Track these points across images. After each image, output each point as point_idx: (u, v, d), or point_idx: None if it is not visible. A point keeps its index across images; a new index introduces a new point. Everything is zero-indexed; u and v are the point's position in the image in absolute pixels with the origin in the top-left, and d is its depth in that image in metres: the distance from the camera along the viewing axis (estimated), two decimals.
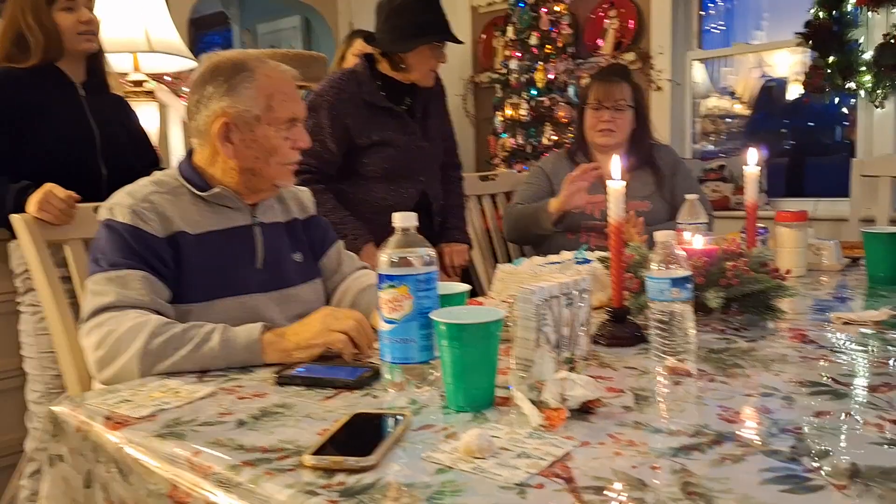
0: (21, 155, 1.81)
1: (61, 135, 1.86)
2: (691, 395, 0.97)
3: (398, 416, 0.87)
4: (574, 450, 0.79)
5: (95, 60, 1.99)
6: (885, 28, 2.94)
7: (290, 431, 0.86)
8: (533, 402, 0.90)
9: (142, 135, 2.14)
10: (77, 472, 0.95)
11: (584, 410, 0.90)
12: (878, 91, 2.99)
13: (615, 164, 1.25)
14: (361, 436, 0.82)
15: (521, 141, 3.89)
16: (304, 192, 1.58)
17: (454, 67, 4.42)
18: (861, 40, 3.04)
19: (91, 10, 1.93)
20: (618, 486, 0.70)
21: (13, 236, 1.69)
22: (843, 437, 0.80)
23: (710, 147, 4.08)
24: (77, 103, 1.92)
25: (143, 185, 1.33)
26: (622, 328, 1.25)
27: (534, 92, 3.84)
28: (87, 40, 1.91)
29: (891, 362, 1.07)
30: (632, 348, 1.21)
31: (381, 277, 0.98)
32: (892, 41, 2.88)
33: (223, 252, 1.33)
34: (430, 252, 0.99)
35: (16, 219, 1.52)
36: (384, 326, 0.98)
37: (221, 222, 1.35)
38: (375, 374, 1.04)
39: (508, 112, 3.91)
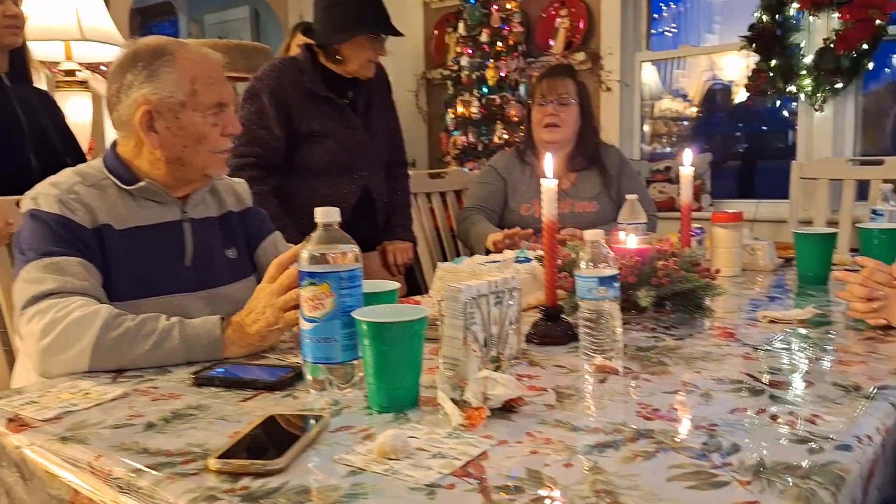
0: None
1: None
2: (614, 392, 0.97)
3: (315, 418, 0.85)
4: (491, 449, 0.79)
5: (19, 52, 1.93)
6: (826, 33, 3.02)
7: (201, 434, 0.84)
8: (455, 402, 0.89)
9: (69, 131, 2.08)
10: None
11: (507, 409, 0.90)
12: (818, 95, 3.07)
13: (548, 163, 1.25)
14: (273, 438, 0.80)
15: (472, 139, 3.90)
16: (241, 184, 1.53)
17: (406, 63, 4.40)
18: (802, 44, 3.12)
19: (18, 4, 1.87)
20: (527, 484, 0.70)
21: None
22: (754, 433, 0.80)
23: (666, 149, 4.13)
24: (2, 92, 1.85)
25: (67, 176, 1.28)
26: (554, 327, 1.25)
27: (485, 90, 3.85)
28: (12, 34, 1.85)
29: (808, 360, 1.09)
30: (563, 347, 1.21)
31: (302, 274, 0.96)
32: (832, 45, 2.96)
33: (149, 249, 1.29)
34: (354, 248, 0.97)
35: None
36: (305, 325, 0.96)
37: (148, 217, 1.30)
38: (298, 375, 1.02)
39: (460, 109, 3.91)
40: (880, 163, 2.69)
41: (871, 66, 2.97)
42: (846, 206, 2.74)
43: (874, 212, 1.89)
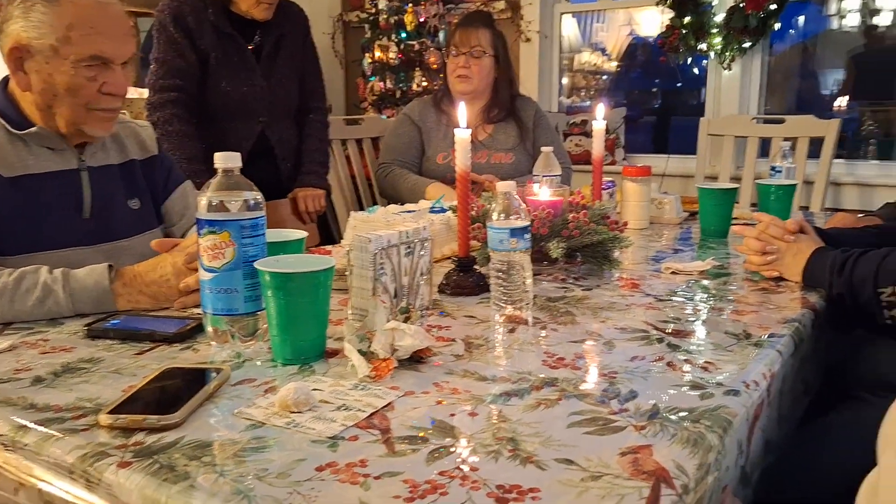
0: None
1: None
2: (523, 342, 0.99)
3: (215, 371, 0.83)
4: (397, 400, 0.78)
5: None
6: None
7: (93, 388, 0.80)
8: (363, 353, 0.88)
9: None
10: None
11: (416, 360, 0.90)
12: (727, 53, 3.15)
13: (461, 113, 1.23)
14: (170, 392, 0.78)
15: (390, 85, 3.82)
16: (146, 130, 1.44)
17: (322, 4, 4.25)
18: (714, 3, 3.18)
19: None
20: (431, 434, 0.70)
21: None
22: (651, 380, 0.83)
23: (585, 103, 4.17)
24: None
25: None
26: (467, 277, 1.25)
27: (403, 35, 3.76)
28: None
29: (704, 310, 1.14)
30: (475, 297, 1.21)
31: (201, 223, 0.91)
32: (742, 5, 3.03)
33: (42, 200, 1.20)
34: (257, 196, 0.94)
35: None
36: (205, 276, 0.92)
37: (40, 165, 1.22)
38: (198, 327, 0.98)
39: (378, 54, 3.81)
40: (781, 121, 2.81)
41: (777, 26, 3.06)
42: (749, 162, 2.85)
43: (773, 168, 1.97)
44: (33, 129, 1.20)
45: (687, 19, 3.18)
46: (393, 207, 1.72)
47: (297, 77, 2.26)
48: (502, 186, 1.12)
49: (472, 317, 1.11)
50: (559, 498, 0.59)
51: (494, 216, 1.10)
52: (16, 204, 1.17)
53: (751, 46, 3.11)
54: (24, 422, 0.71)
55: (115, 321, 1.00)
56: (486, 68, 2.33)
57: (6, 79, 1.24)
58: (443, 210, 1.69)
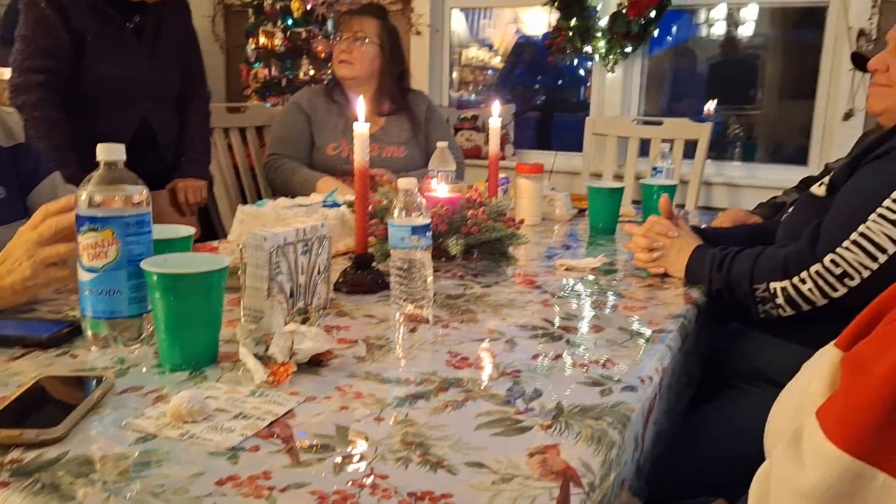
0: None
1: None
2: (424, 342, 0.98)
3: (97, 379, 0.76)
4: (298, 406, 0.75)
5: None
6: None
7: None
8: (259, 357, 0.84)
9: None
10: None
11: (315, 363, 0.87)
12: (610, 56, 3.27)
13: (360, 106, 1.21)
14: (48, 404, 0.71)
15: (275, 73, 3.71)
16: (12, 116, 1.33)
17: None
18: (599, 7, 3.29)
19: None
20: (337, 441, 0.68)
21: None
22: (552, 378, 0.84)
23: (472, 97, 4.22)
24: None
25: None
26: (364, 275, 1.23)
27: (290, 21, 3.66)
28: None
29: (598, 306, 1.17)
30: (373, 295, 1.19)
31: (81, 219, 0.84)
32: (624, 10, 3.15)
33: None
34: (143, 191, 0.88)
35: None
36: (84, 276, 0.85)
37: None
38: (75, 330, 0.91)
39: (262, 40, 3.69)
40: (660, 123, 2.95)
41: (656, 32, 3.21)
42: (630, 161, 2.98)
43: (654, 169, 2.06)
44: None
45: (573, 22, 3.28)
46: (283, 201, 1.67)
47: (179, 60, 2.16)
48: (404, 183, 1.11)
49: (371, 316, 1.08)
50: (472, 503, 0.58)
51: (395, 213, 1.08)
52: None
53: (632, 51, 3.25)
54: None
55: None
56: (369, 55, 2.29)
57: None
58: (336, 205, 1.66)
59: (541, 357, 0.91)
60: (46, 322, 0.94)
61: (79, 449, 0.64)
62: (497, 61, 4.63)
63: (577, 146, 3.34)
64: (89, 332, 0.87)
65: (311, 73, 3.66)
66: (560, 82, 4.85)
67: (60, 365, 0.84)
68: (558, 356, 0.92)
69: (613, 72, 3.32)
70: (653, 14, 3.11)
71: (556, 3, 3.31)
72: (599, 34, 3.25)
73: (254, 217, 1.51)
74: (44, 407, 0.70)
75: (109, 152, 0.85)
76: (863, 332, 0.58)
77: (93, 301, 0.85)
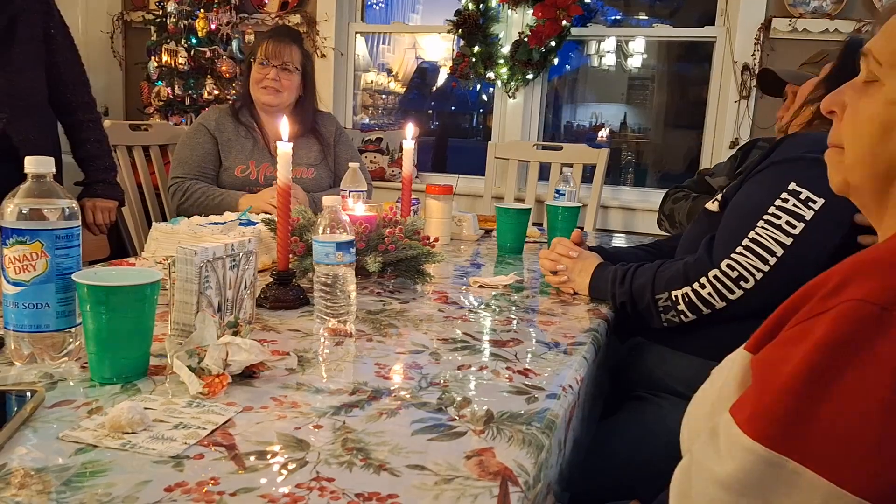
0: None
1: None
2: (351, 354, 1.01)
3: (26, 393, 0.75)
4: (236, 416, 0.77)
5: None
6: (521, 27, 3.35)
7: None
8: (192, 370, 0.85)
9: None
10: None
11: (248, 375, 0.88)
12: (512, 82, 3.41)
13: (284, 127, 1.23)
14: None
15: (179, 91, 3.63)
16: None
17: (101, 1, 3.94)
18: (501, 35, 3.43)
19: None
20: (280, 448, 0.70)
21: None
22: (479, 387, 0.90)
23: (367, 120, 4.26)
24: None
25: None
26: (286, 291, 1.24)
27: (194, 40, 3.60)
28: None
29: (515, 321, 1.24)
30: (296, 311, 1.21)
31: (7, 231, 0.83)
32: (526, 39, 3.30)
33: None
34: (72, 204, 0.87)
35: None
36: (9, 289, 0.84)
37: None
38: None
39: (165, 58, 3.61)
40: (559, 148, 3.10)
41: (556, 60, 3.37)
42: (531, 184, 3.11)
43: (557, 191, 2.17)
44: None
45: (476, 48, 3.40)
46: (197, 219, 1.65)
47: (42, 66, 1.96)
48: (329, 201, 1.14)
49: (296, 330, 1.10)
50: (418, 501, 0.62)
51: (320, 230, 1.11)
52: None
53: (533, 78, 3.40)
54: None
55: None
56: (295, 84, 2.31)
57: None
58: (251, 223, 1.66)
59: (465, 368, 0.96)
60: None
61: (16, 462, 0.64)
62: (394, 86, 4.71)
63: (472, 169, 3.45)
64: (13, 347, 0.85)
65: (216, 92, 3.61)
66: (453, 108, 5.01)
67: None
68: (483, 367, 0.97)
69: (514, 97, 3.46)
70: (553, 43, 3.28)
71: (459, 31, 3.43)
72: (502, 61, 3.38)
73: (169, 234, 1.49)
74: None
75: (38, 164, 0.84)
76: (769, 335, 0.65)
77: (18, 315, 0.84)
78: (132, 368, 0.85)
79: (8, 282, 0.83)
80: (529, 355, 1.04)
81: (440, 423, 0.78)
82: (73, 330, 0.87)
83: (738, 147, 2.36)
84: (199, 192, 2.20)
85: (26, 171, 0.84)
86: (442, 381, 0.91)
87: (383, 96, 4.64)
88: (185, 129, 2.67)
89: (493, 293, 1.42)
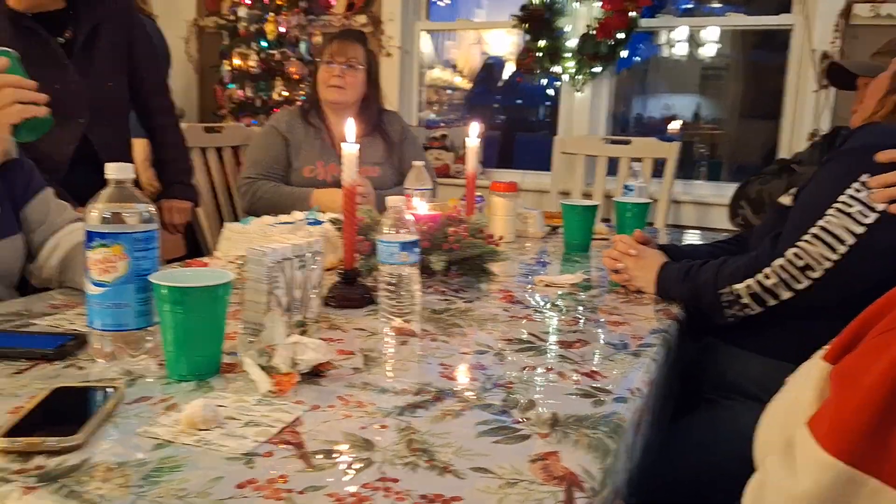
0: None
1: None
2: (416, 354, 1.02)
3: (108, 389, 0.79)
4: (304, 414, 0.79)
5: None
6: (588, 20, 3.31)
7: None
8: (262, 368, 0.87)
9: None
10: None
11: (314, 374, 0.90)
12: (579, 76, 3.37)
13: (350, 128, 1.25)
14: (64, 413, 0.73)
15: (250, 93, 3.73)
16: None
17: (177, 7, 4.08)
18: (567, 28, 3.39)
19: None
20: (346, 447, 0.71)
21: None
22: (545, 389, 0.89)
23: (432, 116, 4.28)
24: None
25: None
26: (352, 290, 1.26)
27: (264, 44, 3.69)
28: None
29: (581, 321, 1.22)
30: (361, 310, 1.23)
31: (91, 235, 0.87)
32: (593, 32, 3.25)
33: None
34: (150, 208, 0.91)
35: None
36: (92, 290, 0.88)
37: None
38: (81, 343, 0.93)
39: (237, 62, 3.71)
40: (628, 142, 3.04)
41: (624, 53, 3.32)
42: (599, 180, 3.06)
43: (626, 187, 2.13)
44: None
45: (542, 43, 3.37)
46: (267, 219, 1.69)
47: (124, 72, 2.03)
48: (393, 201, 1.15)
49: (362, 329, 1.12)
50: None
51: (385, 230, 1.13)
52: None
53: (601, 71, 3.35)
54: None
55: None
56: (360, 81, 2.34)
57: None
58: (318, 222, 1.69)
59: (530, 369, 0.96)
60: (50, 335, 0.96)
61: (99, 456, 0.67)
62: (459, 81, 4.72)
63: (537, 165, 3.42)
64: (96, 345, 0.89)
65: (286, 94, 3.69)
66: (519, 101, 4.97)
67: (68, 376, 0.86)
68: (548, 368, 0.97)
69: (582, 91, 3.42)
70: (621, 35, 3.22)
71: (525, 26, 3.41)
72: (569, 55, 3.35)
73: (240, 234, 1.53)
74: (60, 416, 0.72)
75: (119, 171, 0.88)
76: (849, 345, 0.62)
77: (101, 314, 0.88)
78: (206, 366, 0.88)
79: (92, 283, 0.88)
80: (597, 357, 1.02)
81: (505, 426, 0.78)
82: (150, 329, 0.91)
83: (820, 136, 2.27)
84: (269, 190, 2.25)
85: (107, 177, 0.88)
86: (507, 383, 0.90)
87: (448, 92, 4.65)
88: (256, 131, 2.74)
89: (560, 292, 1.41)
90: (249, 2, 3.72)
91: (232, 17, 3.78)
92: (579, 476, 0.67)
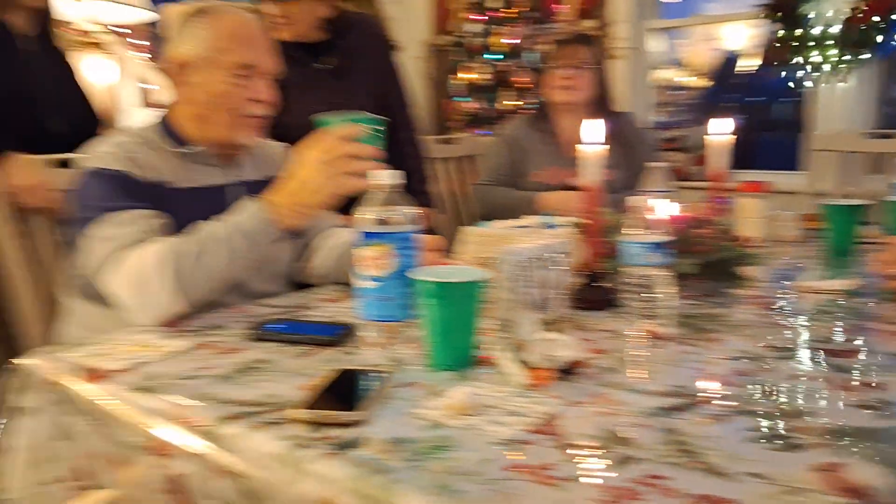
0: None
1: (6, 91, 1.76)
2: (668, 357, 0.99)
3: (382, 374, 0.86)
4: (561, 409, 0.80)
5: (43, 13, 1.89)
6: (842, 4, 3.00)
7: (273, 386, 0.85)
8: (518, 363, 0.90)
9: (83, 93, 2.04)
10: (47, 425, 0.91)
11: (566, 371, 0.91)
12: (840, 66, 3.06)
13: (584, 128, 1.26)
14: (346, 391, 0.82)
15: (479, 105, 3.87)
16: (279, 148, 1.55)
17: (414, 29, 4.35)
18: (813, 15, 3.10)
19: None
20: (608, 443, 0.71)
21: None
22: (814, 398, 0.82)
23: (664, 118, 4.14)
24: (22, 59, 1.81)
25: (123, 136, 1.30)
26: (595, 291, 1.26)
27: (492, 56, 3.82)
28: None
29: (851, 329, 1.11)
30: (604, 311, 1.22)
31: (365, 235, 0.96)
32: (858, 15, 2.94)
33: (194, 211, 1.29)
34: (414, 212, 0.98)
35: None
36: (366, 284, 0.97)
37: (194, 179, 1.33)
38: (351, 332, 1.03)
39: (466, 75, 3.88)
40: (895, 136, 2.71)
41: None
42: (860, 178, 2.76)
43: (894, 186, 1.90)
44: (190, 146, 1.32)
45: (795, 32, 3.11)
46: (503, 223, 1.74)
47: (375, 94, 2.17)
48: (636, 201, 1.13)
49: (608, 331, 1.11)
50: None
51: (632, 231, 1.11)
52: (176, 213, 1.26)
53: (864, 60, 3.02)
54: (221, 414, 0.76)
55: (276, 325, 1.05)
56: (588, 81, 2.34)
57: (166, 105, 1.37)
58: (553, 225, 1.71)
59: (800, 377, 0.89)
60: (328, 325, 1.08)
61: (383, 432, 0.73)
62: (691, 80, 4.50)
63: (781, 164, 3.14)
64: (367, 334, 0.98)
65: (515, 103, 3.78)
66: (761, 98, 4.62)
67: (343, 361, 0.96)
68: (816, 377, 0.89)
69: (846, 82, 3.11)
70: (894, 17, 2.88)
71: (776, 15, 3.16)
72: (830, 42, 3.05)
73: (483, 237, 1.60)
74: (345, 394, 0.81)
75: (392, 177, 0.97)
76: None
77: (372, 306, 0.97)
78: (462, 357, 0.93)
79: (364, 278, 0.97)
80: (873, 368, 0.92)
81: (776, 434, 0.73)
82: (413, 321, 0.98)
83: None
84: (500, 195, 2.32)
85: (377, 183, 0.97)
86: (772, 390, 0.85)
87: (680, 92, 4.47)
88: (487, 140, 2.84)
89: (823, 298, 1.29)
90: (478, 17, 3.87)
91: (462, 34, 3.96)
92: (870, 489, 0.61)
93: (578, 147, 2.43)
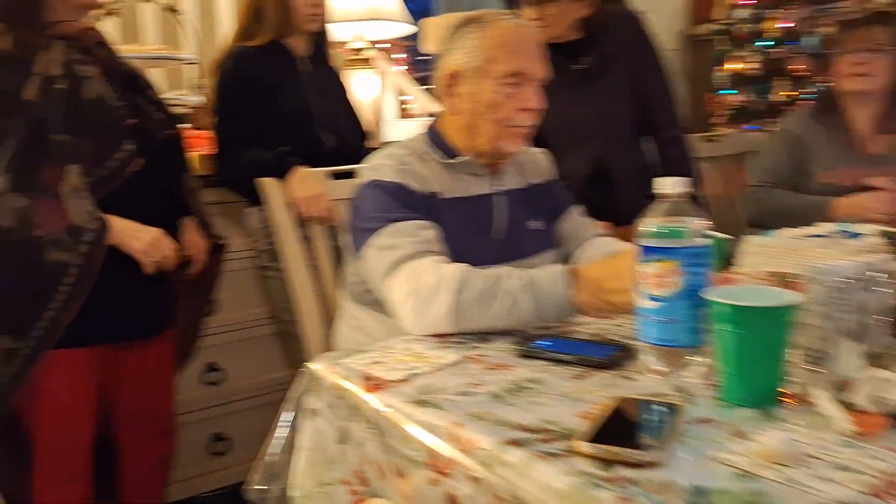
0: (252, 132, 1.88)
1: (285, 111, 1.91)
2: None
3: (670, 406, 0.77)
4: None
5: (320, 35, 2.03)
6: None
7: (549, 410, 0.80)
8: (838, 404, 0.76)
9: (354, 109, 2.17)
10: (331, 428, 0.95)
11: None
12: None
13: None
14: (633, 424, 0.74)
15: (747, 98, 3.56)
16: (541, 155, 1.53)
17: (666, 20, 4.11)
18: None
19: None
20: None
21: (251, 203, 1.81)
22: None
23: None
24: (300, 80, 1.96)
25: (396, 149, 1.34)
26: None
27: (763, 43, 3.48)
28: (313, 20, 1.95)
29: None
30: None
31: (647, 250, 0.87)
32: None
33: (463, 220, 1.31)
34: (703, 224, 0.87)
35: (270, 182, 1.60)
36: (647, 304, 0.88)
37: (463, 189, 1.33)
38: (628, 354, 0.94)
39: (733, 66, 3.58)
40: None
41: None
42: None
43: None
44: (459, 158, 1.33)
45: None
46: (791, 231, 1.54)
47: (634, 94, 2.06)
48: None
49: None
50: None
51: None
52: (447, 222, 1.27)
53: None
54: (502, 439, 0.73)
55: (544, 342, 1.00)
56: (886, 67, 2.01)
57: (435, 118, 1.39)
58: (855, 235, 1.48)
59: None
60: (599, 344, 1.00)
61: (679, 476, 0.64)
62: None
63: None
64: (646, 358, 0.89)
65: (790, 94, 3.42)
66: None
67: (622, 386, 0.87)
68: None
69: None
70: None
71: None
72: None
73: (766, 248, 1.42)
74: (633, 428, 0.73)
75: (672, 185, 0.87)
76: None
77: (653, 329, 0.87)
78: (764, 394, 0.80)
79: (647, 297, 0.88)
80: None
81: None
82: (702, 347, 0.87)
83: None
84: (779, 199, 2.07)
85: (658, 192, 0.88)
86: None
87: None
88: (758, 137, 2.58)
89: None
90: (747, 2, 3.55)
91: (728, 21, 3.66)
92: None
93: (876, 142, 2.12)
